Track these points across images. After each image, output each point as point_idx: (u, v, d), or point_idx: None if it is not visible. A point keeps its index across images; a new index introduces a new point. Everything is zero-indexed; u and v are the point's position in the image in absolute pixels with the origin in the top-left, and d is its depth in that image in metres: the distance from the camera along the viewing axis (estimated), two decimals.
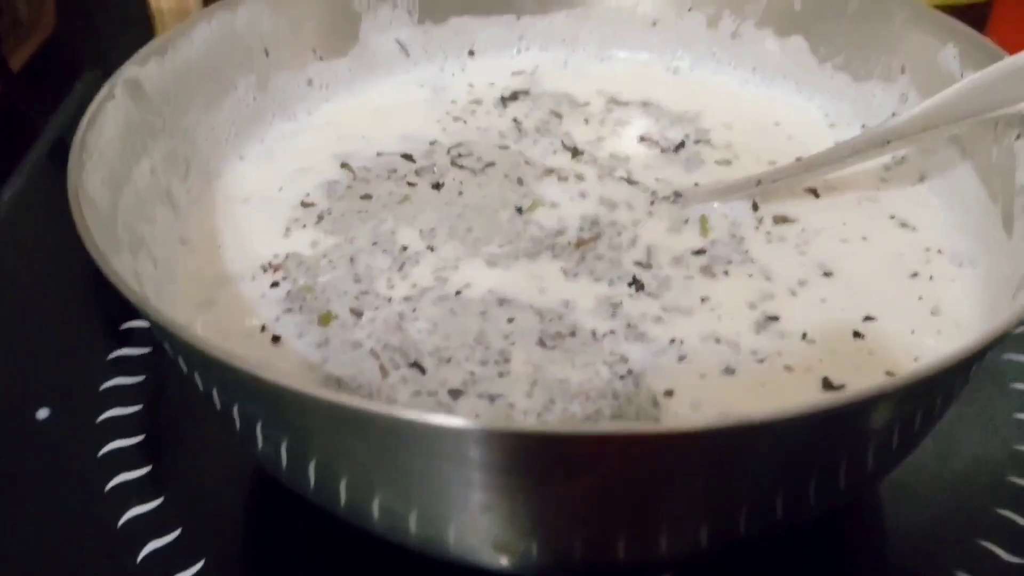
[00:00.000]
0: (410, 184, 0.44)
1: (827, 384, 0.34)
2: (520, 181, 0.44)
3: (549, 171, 0.44)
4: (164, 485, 0.39)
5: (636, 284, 0.38)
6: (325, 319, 0.37)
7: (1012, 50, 0.73)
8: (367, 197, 0.43)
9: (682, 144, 0.46)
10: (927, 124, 0.37)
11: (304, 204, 0.42)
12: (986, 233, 0.38)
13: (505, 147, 0.46)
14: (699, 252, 0.39)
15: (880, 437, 0.29)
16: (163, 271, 0.37)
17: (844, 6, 0.46)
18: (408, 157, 0.45)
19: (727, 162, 0.45)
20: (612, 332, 0.36)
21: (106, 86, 0.37)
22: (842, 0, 0.46)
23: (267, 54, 0.46)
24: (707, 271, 0.38)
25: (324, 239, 0.41)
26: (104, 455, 0.40)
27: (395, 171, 0.44)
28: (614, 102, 0.49)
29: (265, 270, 0.39)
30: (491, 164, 0.45)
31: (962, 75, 0.41)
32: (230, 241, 0.41)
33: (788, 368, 0.34)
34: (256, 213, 0.42)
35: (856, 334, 0.36)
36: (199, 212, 0.41)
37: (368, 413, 0.24)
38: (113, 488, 0.39)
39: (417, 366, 0.34)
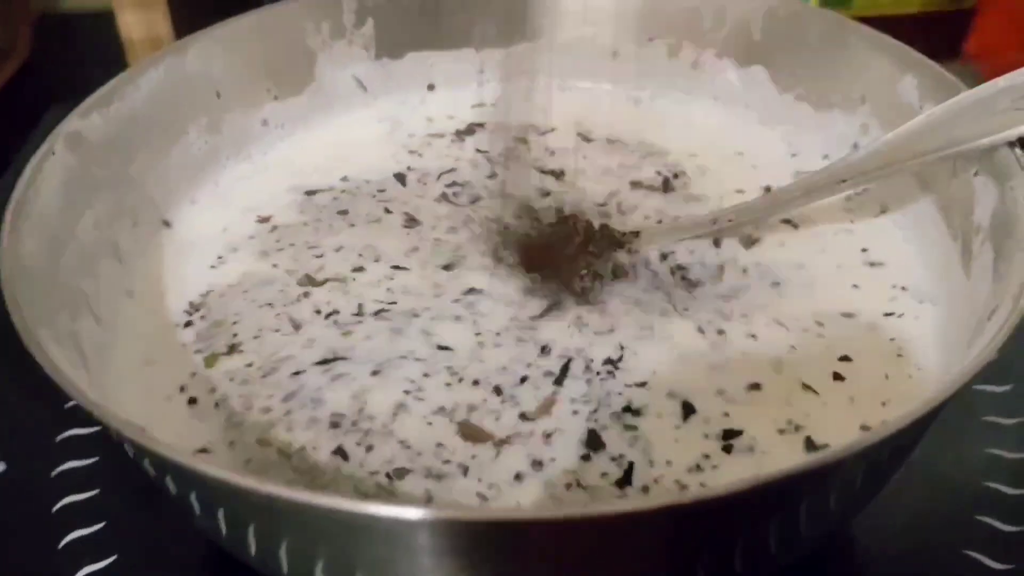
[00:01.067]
0: (387, 212, 0.44)
1: (810, 444, 0.33)
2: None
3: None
4: (118, 543, 0.38)
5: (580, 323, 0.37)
6: (210, 360, 0.36)
7: (995, 57, 0.73)
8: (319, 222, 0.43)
9: (667, 181, 0.45)
10: (886, 161, 0.37)
11: (246, 239, 0.42)
12: (946, 271, 0.37)
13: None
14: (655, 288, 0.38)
15: (845, 488, 0.28)
16: (107, 328, 0.37)
17: (803, 36, 0.45)
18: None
19: (695, 198, 0.44)
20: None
21: (46, 143, 0.36)
22: (801, 30, 0.45)
23: (219, 96, 0.45)
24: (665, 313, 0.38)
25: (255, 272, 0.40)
26: (59, 510, 0.40)
27: (345, 210, 0.44)
28: (581, 136, 0.48)
29: (189, 312, 0.39)
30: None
31: (921, 106, 0.40)
32: (172, 287, 0.40)
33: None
34: (202, 256, 0.42)
35: (837, 376, 0.35)
36: (147, 261, 0.41)
37: (294, 503, 0.23)
38: (67, 545, 0.38)
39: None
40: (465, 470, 0.32)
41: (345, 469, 0.32)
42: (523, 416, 0.34)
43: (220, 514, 0.30)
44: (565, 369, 0.35)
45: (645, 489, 0.31)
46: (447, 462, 0.32)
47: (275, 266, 0.41)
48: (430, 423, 0.34)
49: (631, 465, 0.32)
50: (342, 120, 0.49)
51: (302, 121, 0.48)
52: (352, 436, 0.33)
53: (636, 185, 0.44)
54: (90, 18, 0.85)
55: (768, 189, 0.44)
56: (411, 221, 0.43)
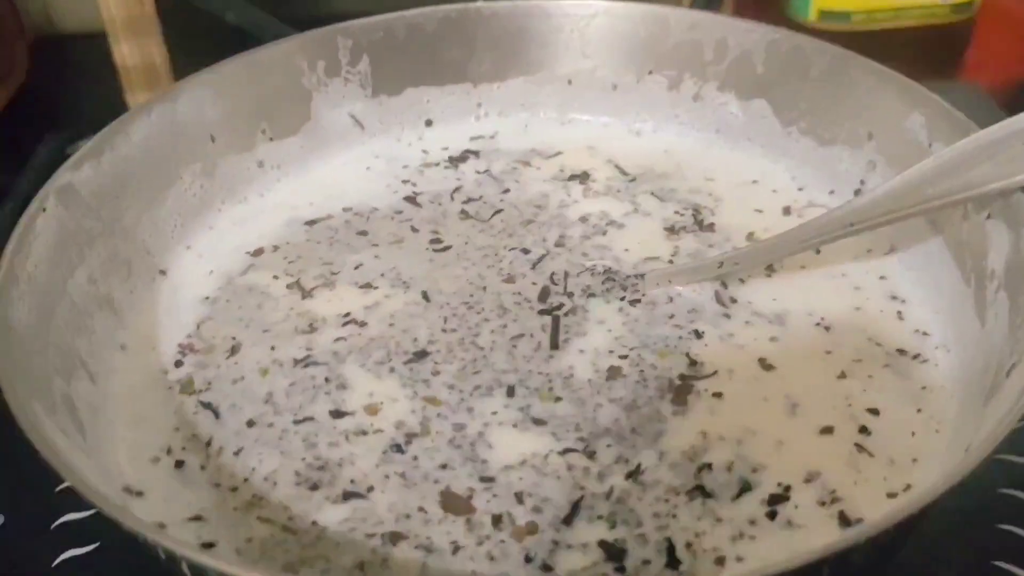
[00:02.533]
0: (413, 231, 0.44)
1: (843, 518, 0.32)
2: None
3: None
4: None
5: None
6: (187, 385, 0.37)
7: (995, 70, 0.73)
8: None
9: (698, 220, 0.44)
10: (896, 205, 0.36)
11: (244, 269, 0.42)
12: (960, 317, 0.36)
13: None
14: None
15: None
16: (101, 387, 0.36)
17: (806, 70, 0.44)
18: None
19: (709, 226, 0.44)
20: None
21: (37, 199, 0.36)
22: (805, 63, 0.45)
23: (213, 140, 0.44)
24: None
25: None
26: (59, 564, 0.39)
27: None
28: (578, 168, 0.48)
29: (182, 352, 0.39)
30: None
31: (930, 144, 0.39)
32: (164, 334, 0.39)
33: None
34: (194, 295, 0.41)
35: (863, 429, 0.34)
36: (140, 312, 0.40)
37: None
38: None
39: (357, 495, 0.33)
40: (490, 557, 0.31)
41: (350, 535, 0.32)
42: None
43: None
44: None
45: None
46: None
47: (281, 282, 0.41)
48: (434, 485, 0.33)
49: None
50: (339, 158, 0.48)
51: (298, 161, 0.47)
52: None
53: (670, 231, 0.44)
54: (87, 40, 0.84)
55: (787, 211, 0.44)
56: (438, 240, 0.43)
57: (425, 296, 0.40)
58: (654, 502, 0.32)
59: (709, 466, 0.33)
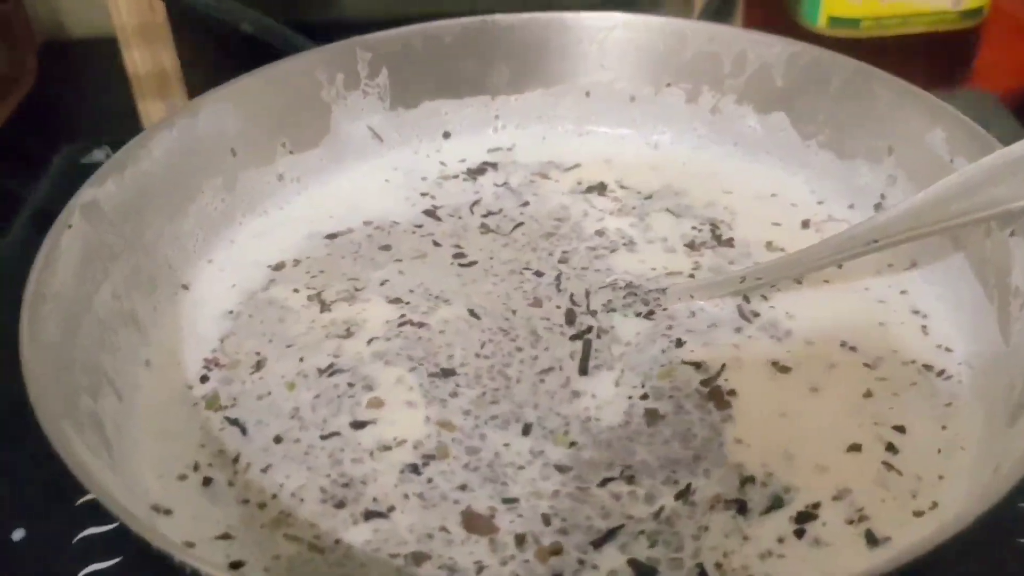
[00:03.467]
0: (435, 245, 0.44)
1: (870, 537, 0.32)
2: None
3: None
4: None
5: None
6: (213, 401, 0.37)
7: (1003, 76, 0.73)
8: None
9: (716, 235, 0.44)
10: (918, 223, 0.36)
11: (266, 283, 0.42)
12: (983, 334, 0.36)
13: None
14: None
15: None
16: (127, 403, 0.36)
17: (827, 84, 0.45)
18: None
19: (728, 241, 0.44)
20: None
21: (62, 216, 0.36)
22: (825, 76, 0.45)
23: (234, 154, 0.44)
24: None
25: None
26: None
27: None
28: (596, 181, 0.48)
29: (207, 367, 0.39)
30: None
31: (952, 160, 0.39)
32: (188, 349, 0.39)
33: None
34: (218, 309, 0.41)
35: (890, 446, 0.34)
36: (164, 328, 0.40)
37: None
38: None
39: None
40: None
41: (373, 557, 0.32)
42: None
43: None
44: None
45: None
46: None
47: (302, 295, 0.42)
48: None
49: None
50: (357, 171, 0.48)
51: (317, 174, 0.47)
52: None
53: (690, 247, 0.44)
54: (96, 44, 0.84)
55: (806, 224, 0.44)
56: (461, 255, 0.43)
57: (473, 314, 0.40)
58: (698, 518, 0.32)
59: (752, 479, 0.33)
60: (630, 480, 0.33)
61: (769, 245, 0.43)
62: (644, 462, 0.34)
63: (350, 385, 0.37)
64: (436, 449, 0.35)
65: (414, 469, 0.34)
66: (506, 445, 0.35)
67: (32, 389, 0.29)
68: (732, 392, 0.36)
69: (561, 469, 0.34)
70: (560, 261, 0.43)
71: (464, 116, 0.50)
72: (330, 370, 0.38)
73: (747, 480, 0.33)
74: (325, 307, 0.41)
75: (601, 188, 0.47)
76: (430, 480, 0.34)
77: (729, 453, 0.34)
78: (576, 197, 0.47)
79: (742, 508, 0.32)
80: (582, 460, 0.34)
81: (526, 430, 0.35)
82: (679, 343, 0.38)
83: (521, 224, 0.45)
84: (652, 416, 0.36)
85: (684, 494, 0.33)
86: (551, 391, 0.37)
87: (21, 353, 0.30)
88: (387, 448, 0.35)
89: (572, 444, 0.35)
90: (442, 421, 0.36)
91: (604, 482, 0.33)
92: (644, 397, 0.36)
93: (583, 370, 0.37)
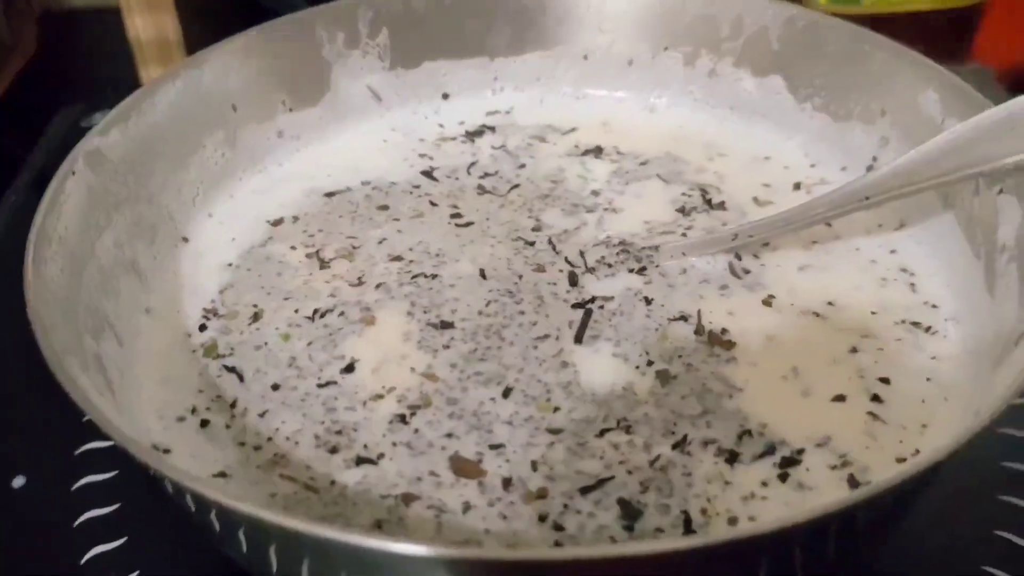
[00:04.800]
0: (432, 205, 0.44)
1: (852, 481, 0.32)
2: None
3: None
4: (140, 558, 0.38)
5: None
6: (211, 349, 0.38)
7: (1004, 53, 0.73)
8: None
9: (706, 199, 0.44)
10: (909, 180, 0.37)
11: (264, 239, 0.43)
12: (970, 290, 0.37)
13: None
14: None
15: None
16: (128, 348, 0.37)
17: (822, 47, 0.45)
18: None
19: (719, 205, 0.44)
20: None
21: (67, 161, 0.36)
22: (821, 40, 0.45)
23: (235, 109, 0.45)
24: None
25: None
26: (80, 524, 0.40)
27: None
28: (592, 144, 0.48)
29: (206, 316, 0.39)
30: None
31: (943, 121, 0.40)
32: (188, 298, 0.40)
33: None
34: (218, 261, 0.42)
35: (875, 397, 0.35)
36: (164, 277, 0.41)
37: (318, 538, 0.23)
38: (90, 560, 0.38)
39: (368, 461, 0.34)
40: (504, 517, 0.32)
41: (364, 497, 0.32)
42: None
43: (242, 538, 0.30)
44: None
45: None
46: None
47: (300, 252, 0.42)
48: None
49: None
50: (356, 130, 0.49)
51: (316, 132, 0.48)
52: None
53: (681, 211, 0.44)
54: (93, 14, 0.85)
55: (798, 186, 0.44)
56: (458, 215, 0.44)
57: (483, 274, 0.41)
58: (691, 467, 0.33)
59: (749, 432, 0.34)
60: (628, 431, 0.34)
61: (759, 204, 0.44)
62: (646, 415, 0.35)
63: (342, 315, 0.38)
64: (420, 399, 0.36)
65: (402, 419, 0.35)
66: (492, 400, 0.35)
67: (37, 325, 0.30)
68: (731, 343, 0.37)
69: (553, 431, 0.34)
70: (556, 221, 0.43)
71: (463, 77, 0.50)
72: (322, 312, 0.39)
73: (745, 433, 0.34)
74: (324, 264, 0.42)
75: (597, 151, 0.48)
76: (416, 430, 0.34)
77: (735, 406, 0.35)
78: (572, 160, 0.47)
79: (732, 457, 0.33)
80: (574, 420, 0.35)
81: (506, 393, 0.36)
82: (668, 303, 0.39)
83: (517, 186, 0.46)
84: (664, 377, 0.36)
85: (681, 444, 0.33)
86: (541, 357, 0.37)
87: (26, 290, 0.31)
88: (379, 397, 0.36)
89: (556, 409, 0.35)
90: (427, 373, 0.37)
91: (602, 433, 0.34)
92: (650, 363, 0.37)
93: (578, 338, 0.38)
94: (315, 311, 0.39)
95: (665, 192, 0.45)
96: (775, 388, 0.35)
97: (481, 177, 0.47)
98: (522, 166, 0.47)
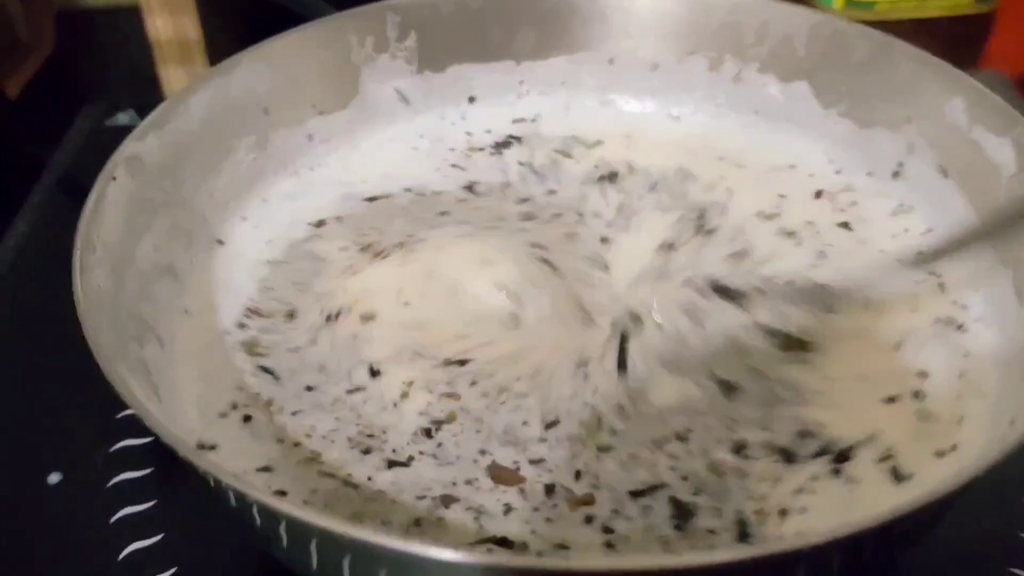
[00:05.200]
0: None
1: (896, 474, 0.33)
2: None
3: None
4: (178, 554, 0.39)
5: None
6: (251, 346, 0.38)
7: (1017, 59, 0.73)
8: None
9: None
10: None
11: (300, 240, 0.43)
12: (999, 296, 0.38)
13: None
14: None
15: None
16: (168, 349, 0.37)
17: (849, 53, 0.45)
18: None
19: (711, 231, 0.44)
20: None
21: (107, 168, 0.37)
22: (847, 47, 0.45)
23: (266, 113, 0.45)
24: None
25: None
26: (116, 521, 0.40)
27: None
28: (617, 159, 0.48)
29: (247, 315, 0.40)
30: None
31: (971, 129, 0.40)
32: (226, 298, 0.41)
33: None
34: (254, 271, 0.42)
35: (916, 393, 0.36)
36: (201, 278, 0.41)
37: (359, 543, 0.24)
38: (127, 556, 0.39)
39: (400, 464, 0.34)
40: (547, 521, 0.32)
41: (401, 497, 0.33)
42: None
43: (284, 535, 0.30)
44: None
45: None
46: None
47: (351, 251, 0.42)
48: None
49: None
50: (384, 134, 0.49)
51: (346, 135, 0.48)
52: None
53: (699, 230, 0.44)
54: (110, 13, 0.85)
55: (819, 194, 0.45)
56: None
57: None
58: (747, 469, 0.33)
59: (810, 433, 0.34)
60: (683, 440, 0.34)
61: (764, 218, 0.44)
62: (706, 425, 0.35)
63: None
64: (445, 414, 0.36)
65: (427, 433, 0.35)
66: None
67: (89, 334, 0.30)
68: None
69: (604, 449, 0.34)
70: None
71: (489, 81, 0.51)
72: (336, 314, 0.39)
73: (805, 434, 0.34)
74: (379, 255, 0.41)
75: (612, 178, 0.47)
76: (440, 444, 0.35)
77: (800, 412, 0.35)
78: (592, 188, 0.46)
79: (790, 457, 0.34)
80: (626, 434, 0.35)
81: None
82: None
83: (560, 215, 0.45)
84: (727, 388, 0.36)
85: (742, 447, 0.34)
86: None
87: (76, 299, 0.31)
88: (405, 396, 0.36)
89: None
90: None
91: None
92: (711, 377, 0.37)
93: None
94: (329, 316, 0.39)
95: (662, 220, 0.45)
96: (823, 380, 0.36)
97: (516, 203, 0.46)
98: (552, 192, 0.46)
